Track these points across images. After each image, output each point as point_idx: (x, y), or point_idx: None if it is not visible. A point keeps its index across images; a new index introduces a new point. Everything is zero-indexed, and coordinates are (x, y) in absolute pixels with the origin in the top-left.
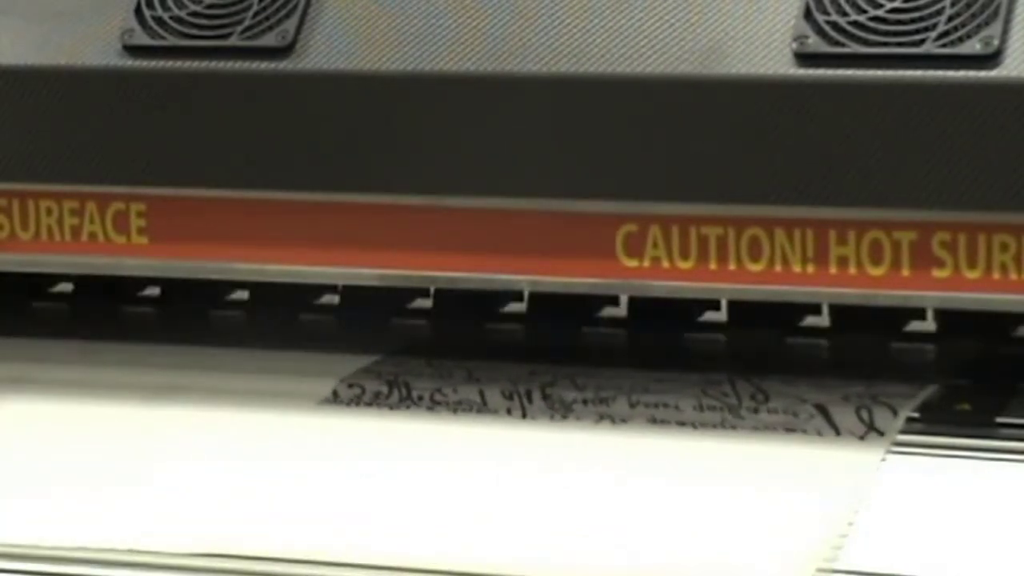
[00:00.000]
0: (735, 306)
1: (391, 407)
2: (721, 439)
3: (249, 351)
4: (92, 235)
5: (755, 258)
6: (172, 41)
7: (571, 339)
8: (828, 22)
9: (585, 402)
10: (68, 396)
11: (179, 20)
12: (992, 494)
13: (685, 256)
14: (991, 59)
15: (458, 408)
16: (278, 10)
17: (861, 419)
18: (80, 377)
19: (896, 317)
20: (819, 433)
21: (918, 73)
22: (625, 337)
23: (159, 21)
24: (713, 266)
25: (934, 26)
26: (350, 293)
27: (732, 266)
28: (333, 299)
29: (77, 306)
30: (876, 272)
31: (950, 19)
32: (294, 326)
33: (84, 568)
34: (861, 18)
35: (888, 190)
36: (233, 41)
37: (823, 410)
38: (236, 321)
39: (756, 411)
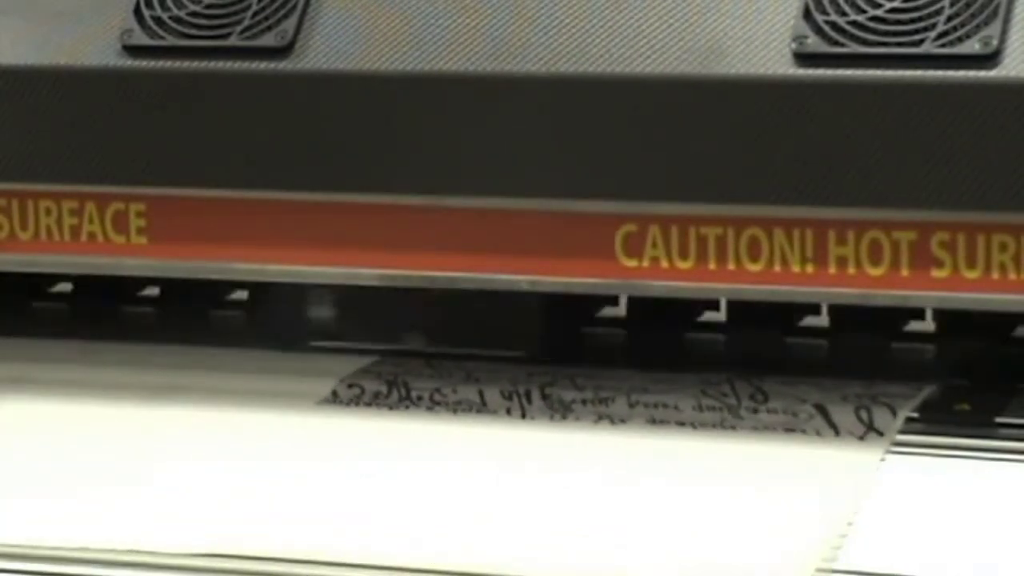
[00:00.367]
0: (734, 306)
1: (391, 407)
2: (721, 439)
3: (249, 351)
4: (91, 235)
5: (754, 258)
6: (171, 41)
7: (571, 339)
8: (827, 22)
9: (584, 402)
10: (68, 396)
11: (178, 20)
12: (992, 494)
13: (684, 256)
14: (990, 59)
15: (458, 408)
16: (277, 10)
17: (860, 419)
18: (80, 377)
19: (895, 317)
20: (818, 433)
21: (917, 73)
22: (624, 337)
23: (158, 21)
24: (712, 266)
25: (933, 26)
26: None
27: (731, 266)
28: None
29: (77, 306)
30: (875, 272)
31: (949, 19)
32: (298, 326)
33: (84, 568)
34: (860, 18)
35: (887, 190)
36: (232, 41)
37: (822, 410)
38: (236, 321)
39: (755, 411)
